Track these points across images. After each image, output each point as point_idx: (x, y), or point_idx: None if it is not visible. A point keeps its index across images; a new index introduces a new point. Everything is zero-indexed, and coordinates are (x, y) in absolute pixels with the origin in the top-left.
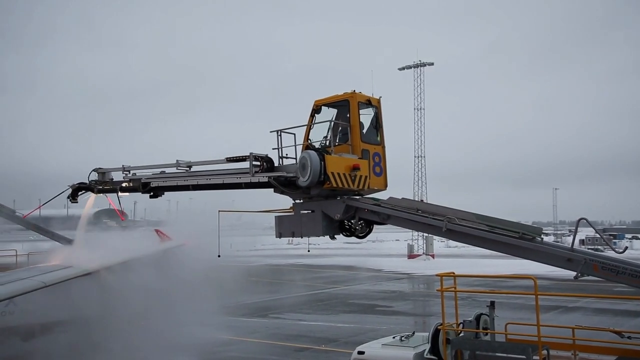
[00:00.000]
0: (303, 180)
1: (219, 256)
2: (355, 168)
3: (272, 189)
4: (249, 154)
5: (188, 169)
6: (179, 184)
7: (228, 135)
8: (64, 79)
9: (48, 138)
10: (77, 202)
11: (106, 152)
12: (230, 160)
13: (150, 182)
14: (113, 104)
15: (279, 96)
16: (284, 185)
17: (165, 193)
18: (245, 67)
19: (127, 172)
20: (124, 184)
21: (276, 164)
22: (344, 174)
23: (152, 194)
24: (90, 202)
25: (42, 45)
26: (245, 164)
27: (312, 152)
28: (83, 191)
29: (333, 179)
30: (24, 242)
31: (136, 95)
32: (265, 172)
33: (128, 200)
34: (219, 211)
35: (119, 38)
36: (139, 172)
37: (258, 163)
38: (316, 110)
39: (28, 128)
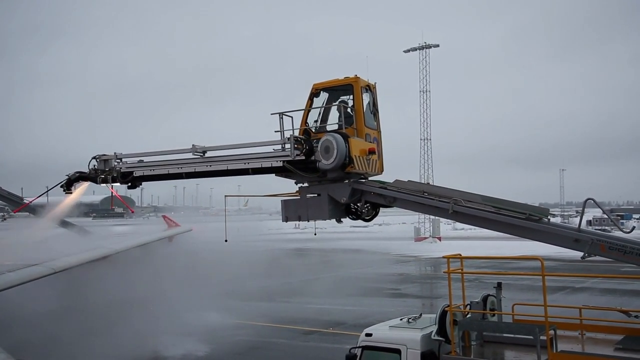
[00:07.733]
0: (326, 164)
1: (225, 241)
2: (372, 152)
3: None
4: (289, 137)
5: (202, 154)
6: (170, 172)
7: (254, 123)
8: (101, 72)
9: (82, 130)
10: (71, 193)
11: (136, 143)
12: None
13: (133, 172)
14: (146, 96)
15: (303, 85)
16: (300, 169)
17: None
18: (271, 57)
19: (120, 160)
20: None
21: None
22: (363, 158)
23: (130, 184)
24: (82, 189)
25: (80, 38)
26: (263, 149)
27: (337, 135)
28: (80, 182)
29: (356, 162)
30: None
31: (169, 87)
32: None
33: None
34: (225, 196)
35: (156, 32)
36: (130, 160)
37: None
38: (315, 94)
39: (63, 120)
